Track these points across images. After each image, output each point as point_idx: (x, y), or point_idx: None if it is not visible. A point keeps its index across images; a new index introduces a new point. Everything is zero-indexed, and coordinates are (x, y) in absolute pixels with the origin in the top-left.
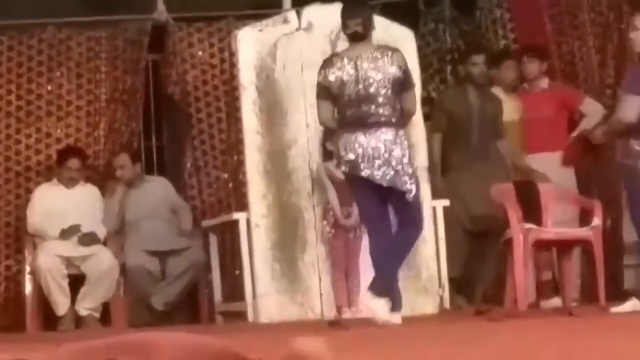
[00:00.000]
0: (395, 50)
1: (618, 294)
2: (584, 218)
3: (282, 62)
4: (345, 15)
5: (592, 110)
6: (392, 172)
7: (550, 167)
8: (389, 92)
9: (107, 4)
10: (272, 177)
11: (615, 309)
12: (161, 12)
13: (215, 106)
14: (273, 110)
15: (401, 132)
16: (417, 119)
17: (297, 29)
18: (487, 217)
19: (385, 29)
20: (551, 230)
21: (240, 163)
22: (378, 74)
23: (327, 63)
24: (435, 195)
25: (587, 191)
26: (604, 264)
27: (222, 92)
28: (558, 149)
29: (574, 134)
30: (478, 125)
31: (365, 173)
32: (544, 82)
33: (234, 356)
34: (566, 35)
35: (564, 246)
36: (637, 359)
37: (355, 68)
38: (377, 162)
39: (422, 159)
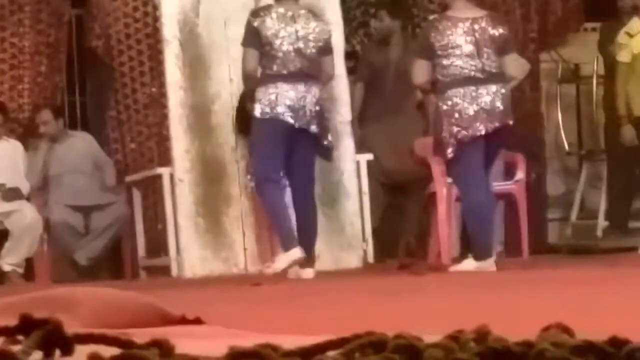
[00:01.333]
0: (322, 15)
1: (541, 248)
2: (508, 172)
3: (205, 16)
4: None
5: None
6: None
7: None
8: (316, 52)
9: None
10: (195, 131)
11: (453, 268)
12: None
13: (138, 60)
14: (196, 65)
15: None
16: (341, 72)
17: None
18: (401, 170)
19: None
20: None
21: (164, 117)
22: (312, 34)
23: (263, 12)
24: (359, 148)
25: (511, 145)
26: (528, 217)
27: (146, 45)
28: None
29: None
30: (394, 77)
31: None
32: None
33: (156, 311)
34: None
35: None
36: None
37: (293, 25)
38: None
39: (345, 113)
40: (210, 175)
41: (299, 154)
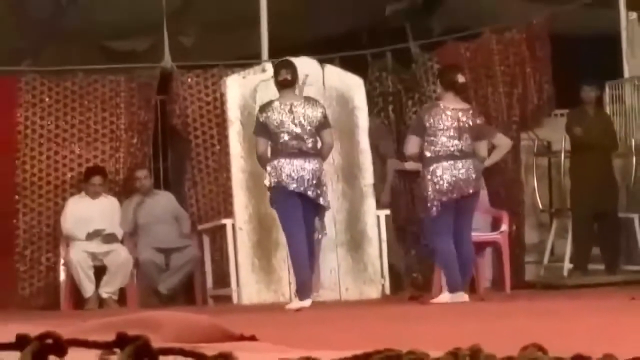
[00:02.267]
0: (316, 100)
1: (520, 284)
2: (495, 225)
3: (261, 101)
4: (279, 66)
5: (502, 143)
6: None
7: None
8: (314, 130)
9: (125, 55)
10: (252, 192)
11: (433, 301)
12: (167, 61)
13: (209, 135)
14: (253, 140)
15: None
16: (365, 147)
17: (272, 77)
18: None
19: (340, 77)
20: None
21: (228, 180)
22: (307, 119)
23: (267, 108)
24: (379, 206)
25: (497, 204)
26: (510, 260)
27: (215, 124)
28: None
29: (488, 162)
30: None
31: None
32: None
33: (221, 330)
34: (482, 83)
35: (478, 247)
36: (535, 334)
37: (291, 115)
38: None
39: (368, 178)
40: (263, 225)
41: (305, 212)
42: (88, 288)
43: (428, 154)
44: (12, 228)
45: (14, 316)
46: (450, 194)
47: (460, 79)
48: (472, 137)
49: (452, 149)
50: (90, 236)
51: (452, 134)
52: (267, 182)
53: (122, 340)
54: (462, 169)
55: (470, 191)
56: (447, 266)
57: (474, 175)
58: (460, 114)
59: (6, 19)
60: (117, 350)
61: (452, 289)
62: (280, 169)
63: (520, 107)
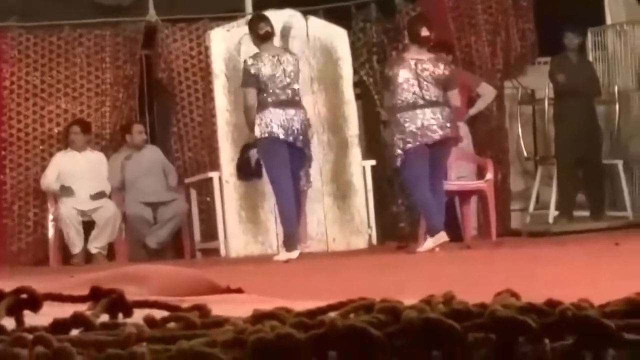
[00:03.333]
0: (293, 52)
1: (506, 232)
2: (480, 173)
3: (245, 55)
4: (257, 20)
5: (487, 92)
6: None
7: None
8: (296, 80)
9: (110, 9)
10: (238, 144)
11: (420, 249)
12: (152, 15)
13: (194, 89)
14: (238, 93)
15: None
16: (350, 97)
17: (249, 32)
18: None
19: (324, 29)
20: (454, 182)
21: (214, 133)
22: (293, 69)
23: (256, 60)
24: (364, 157)
25: (482, 152)
26: (496, 208)
27: (200, 78)
28: (460, 120)
29: (473, 110)
30: None
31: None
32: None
33: (208, 283)
34: (465, 31)
35: (464, 195)
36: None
37: (280, 66)
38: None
39: (353, 129)
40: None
41: (292, 163)
42: (77, 243)
43: (395, 103)
44: None
45: (2, 272)
46: (415, 142)
47: (424, 32)
48: (440, 87)
49: (416, 98)
50: (72, 192)
51: (415, 84)
52: (256, 133)
53: (96, 294)
54: (427, 117)
55: (438, 138)
56: (426, 211)
57: (441, 123)
58: (424, 64)
59: None
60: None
61: (432, 232)
62: (271, 119)
63: (504, 55)
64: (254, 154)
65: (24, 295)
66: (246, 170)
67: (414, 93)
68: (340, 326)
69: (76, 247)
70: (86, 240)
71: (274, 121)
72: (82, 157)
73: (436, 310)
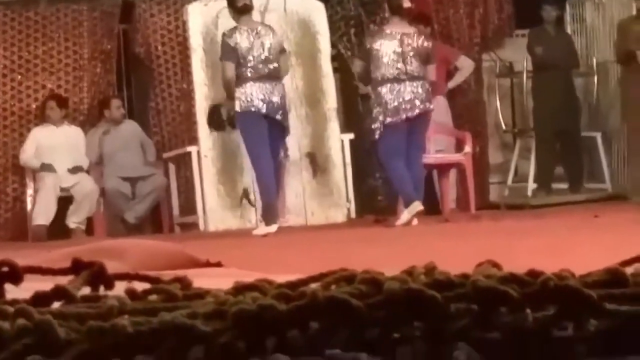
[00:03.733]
0: (271, 26)
1: (485, 205)
2: (459, 146)
3: (223, 28)
4: None
5: (465, 65)
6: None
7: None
8: (276, 55)
9: None
10: None
11: (397, 223)
12: None
13: (172, 63)
14: (216, 67)
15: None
16: (328, 71)
17: (227, 6)
18: None
19: (301, 2)
20: (433, 156)
21: (192, 107)
22: (273, 43)
23: (235, 33)
24: (342, 130)
25: (460, 125)
26: (474, 181)
27: (177, 52)
28: (439, 94)
29: (452, 84)
30: None
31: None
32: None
33: (187, 257)
34: (443, 4)
35: (443, 168)
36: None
37: (259, 39)
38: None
39: (331, 102)
40: (227, 152)
41: (271, 136)
42: (47, 215)
43: (374, 76)
44: None
45: None
46: (395, 116)
47: (405, 3)
48: (419, 60)
49: (396, 72)
50: (52, 169)
51: (396, 57)
52: (237, 107)
53: (77, 267)
54: (407, 91)
55: (417, 112)
56: (399, 183)
57: (421, 97)
58: (405, 37)
59: None
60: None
61: (407, 203)
62: (251, 94)
63: (481, 28)
64: (224, 110)
65: (5, 269)
66: (218, 122)
67: (397, 67)
68: (321, 297)
69: (43, 219)
70: (63, 215)
71: (254, 95)
72: (60, 132)
73: (418, 281)
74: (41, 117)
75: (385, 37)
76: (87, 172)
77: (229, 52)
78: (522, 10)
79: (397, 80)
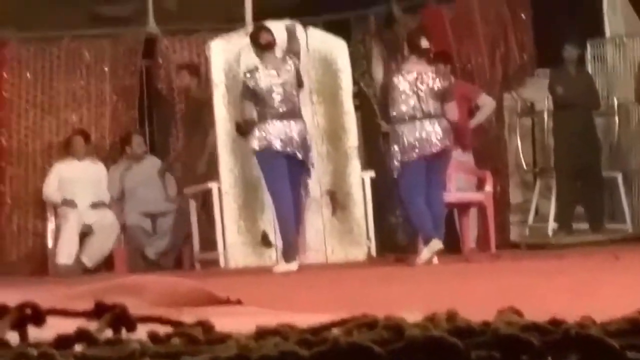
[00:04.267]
0: (292, 58)
1: (505, 244)
2: (479, 185)
3: (245, 65)
4: (258, 31)
5: (486, 103)
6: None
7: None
8: (295, 89)
9: (110, 19)
10: (237, 155)
11: (418, 261)
12: (152, 26)
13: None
14: (238, 103)
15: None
16: (349, 108)
17: (250, 43)
18: None
19: (323, 40)
20: (453, 194)
21: (213, 143)
22: (290, 78)
23: (254, 73)
24: (363, 168)
25: (481, 164)
26: (494, 220)
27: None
28: (466, 142)
29: (473, 122)
30: None
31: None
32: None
33: (207, 294)
34: (464, 43)
35: (463, 207)
36: (516, 294)
37: (278, 78)
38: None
39: (353, 140)
40: (248, 188)
41: (292, 174)
42: (70, 253)
43: (393, 114)
44: None
45: (1, 282)
46: (413, 154)
47: (424, 43)
48: (438, 99)
49: (414, 110)
50: (74, 204)
51: (414, 95)
52: (255, 146)
53: (100, 309)
54: (425, 130)
55: (435, 150)
56: (419, 221)
57: (439, 136)
58: (423, 76)
59: None
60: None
61: (427, 241)
62: (270, 131)
63: (503, 67)
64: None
65: (28, 310)
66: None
67: (412, 105)
68: (343, 343)
69: (66, 257)
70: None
71: (272, 133)
72: (83, 167)
73: (439, 328)
74: (64, 152)
75: (403, 75)
76: (109, 207)
77: (248, 91)
78: (543, 49)
79: (414, 118)
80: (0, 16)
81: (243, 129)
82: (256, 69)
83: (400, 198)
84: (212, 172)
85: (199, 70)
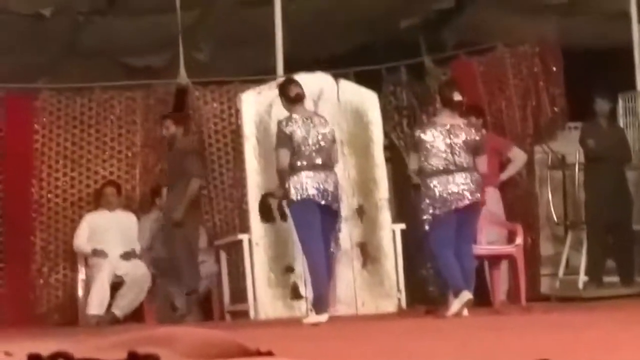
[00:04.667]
0: (323, 116)
1: (536, 297)
2: (510, 237)
3: (276, 117)
4: (287, 84)
5: (518, 156)
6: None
7: (487, 199)
8: (329, 145)
9: (141, 71)
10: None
11: (448, 314)
12: (183, 77)
13: (224, 151)
14: (269, 155)
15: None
16: (380, 161)
17: (280, 96)
18: None
19: (354, 92)
20: (484, 247)
21: (244, 195)
22: (326, 133)
23: (290, 122)
24: (394, 220)
25: (512, 217)
26: (525, 273)
27: (230, 140)
28: (492, 185)
29: (504, 175)
30: None
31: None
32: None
33: (237, 346)
34: (495, 95)
35: (494, 259)
36: (548, 347)
37: (313, 129)
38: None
39: (383, 192)
40: (279, 240)
41: (324, 225)
42: (101, 304)
43: (424, 167)
44: (29, 245)
45: (31, 333)
46: (444, 207)
47: (456, 96)
48: (469, 152)
49: (445, 163)
50: (104, 255)
51: (445, 149)
52: (292, 196)
53: (133, 359)
54: (456, 183)
55: (466, 203)
56: (449, 273)
57: (471, 189)
58: (455, 129)
59: (23, 36)
60: None
61: (456, 292)
62: (306, 182)
63: (534, 120)
64: (274, 201)
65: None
66: (268, 213)
67: (445, 159)
68: None
69: (97, 307)
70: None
71: (309, 184)
72: (113, 217)
73: None
74: (95, 203)
75: (435, 128)
76: (139, 257)
77: (284, 140)
78: (575, 102)
79: (446, 171)
80: (32, 67)
81: (264, 212)
82: (292, 117)
83: (431, 250)
84: (191, 220)
85: (184, 120)
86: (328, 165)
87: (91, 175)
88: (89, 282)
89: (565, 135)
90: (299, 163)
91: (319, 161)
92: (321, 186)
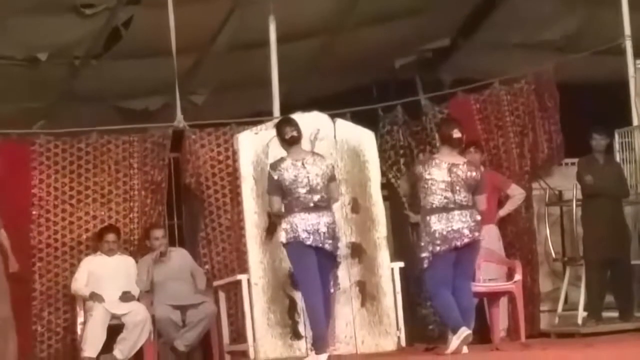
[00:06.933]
0: (322, 155)
1: (535, 333)
2: (509, 274)
3: (273, 158)
4: (283, 125)
5: (516, 194)
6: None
7: (485, 236)
8: (324, 184)
9: (138, 114)
10: (266, 247)
11: (448, 351)
12: (180, 120)
13: (222, 193)
14: (266, 195)
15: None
16: (377, 199)
17: (276, 136)
18: None
19: (351, 131)
20: (483, 284)
21: (242, 236)
22: (319, 173)
23: (279, 166)
24: (393, 258)
25: (511, 254)
26: (525, 309)
27: (227, 181)
28: (490, 222)
29: (503, 212)
30: None
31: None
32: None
33: None
34: (492, 133)
35: (493, 296)
36: None
37: (304, 170)
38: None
39: (382, 230)
40: (278, 280)
41: (320, 266)
42: (96, 346)
43: (423, 205)
44: (28, 290)
45: None
46: (443, 245)
47: (456, 134)
48: (468, 191)
49: (445, 201)
50: (101, 299)
51: (445, 187)
52: (282, 239)
53: None
54: (455, 220)
55: (465, 241)
56: (445, 312)
57: (470, 227)
58: (455, 167)
59: (19, 81)
60: None
61: (454, 329)
62: (297, 224)
63: (531, 156)
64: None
65: None
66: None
67: (445, 197)
68: None
69: (92, 350)
70: (112, 343)
71: (299, 226)
72: (112, 261)
73: None
74: (94, 247)
75: (435, 166)
76: (138, 300)
77: (273, 186)
78: (571, 139)
79: (445, 209)
80: (29, 112)
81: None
82: (282, 160)
83: (427, 287)
84: None
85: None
86: (321, 206)
87: (89, 219)
88: (86, 326)
89: (562, 171)
90: (290, 205)
91: (311, 203)
92: (312, 228)
